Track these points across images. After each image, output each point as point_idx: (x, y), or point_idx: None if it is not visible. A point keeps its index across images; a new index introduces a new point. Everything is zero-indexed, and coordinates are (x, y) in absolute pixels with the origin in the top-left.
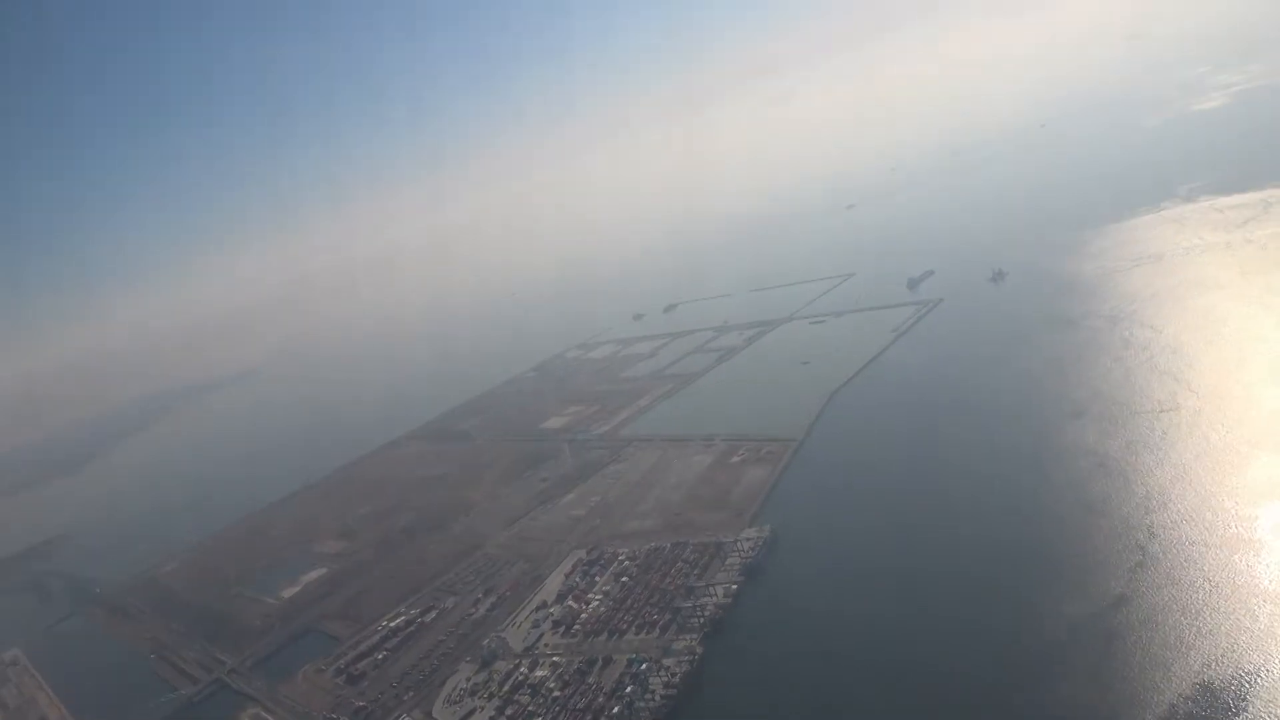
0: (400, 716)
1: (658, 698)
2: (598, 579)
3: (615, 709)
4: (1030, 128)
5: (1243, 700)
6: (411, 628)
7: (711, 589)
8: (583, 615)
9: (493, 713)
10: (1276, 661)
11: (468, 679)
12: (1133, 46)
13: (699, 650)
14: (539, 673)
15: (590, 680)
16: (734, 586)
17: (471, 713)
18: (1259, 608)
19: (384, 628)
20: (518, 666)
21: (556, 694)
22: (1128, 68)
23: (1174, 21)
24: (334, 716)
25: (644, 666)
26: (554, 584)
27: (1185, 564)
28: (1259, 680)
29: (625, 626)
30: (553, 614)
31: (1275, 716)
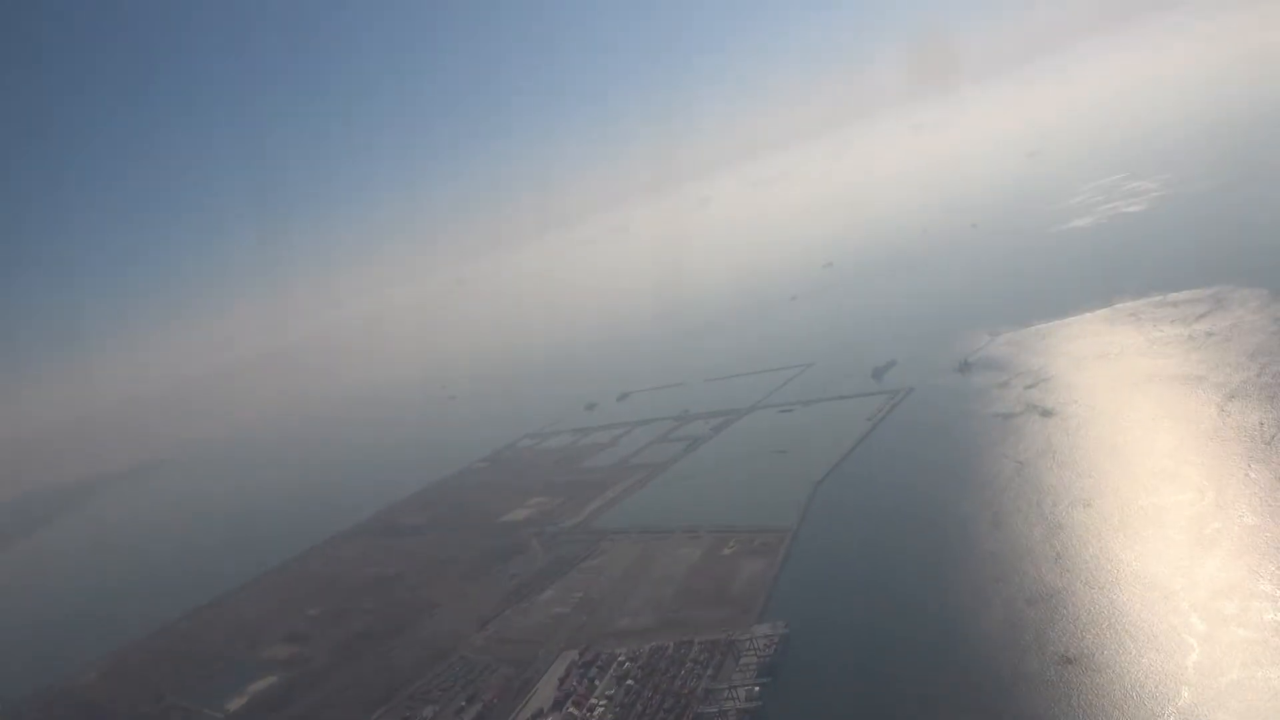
0: None
1: None
2: (597, 682)
3: None
4: (960, 228)
5: None
6: None
7: (732, 691)
8: None
9: None
10: None
11: None
12: (1035, 160)
13: None
14: None
15: None
16: (756, 688)
17: None
18: None
19: None
20: None
21: None
22: (1038, 177)
23: (1065, 144)
24: None
25: None
26: (547, 689)
27: None
28: None
29: None
30: None
31: None
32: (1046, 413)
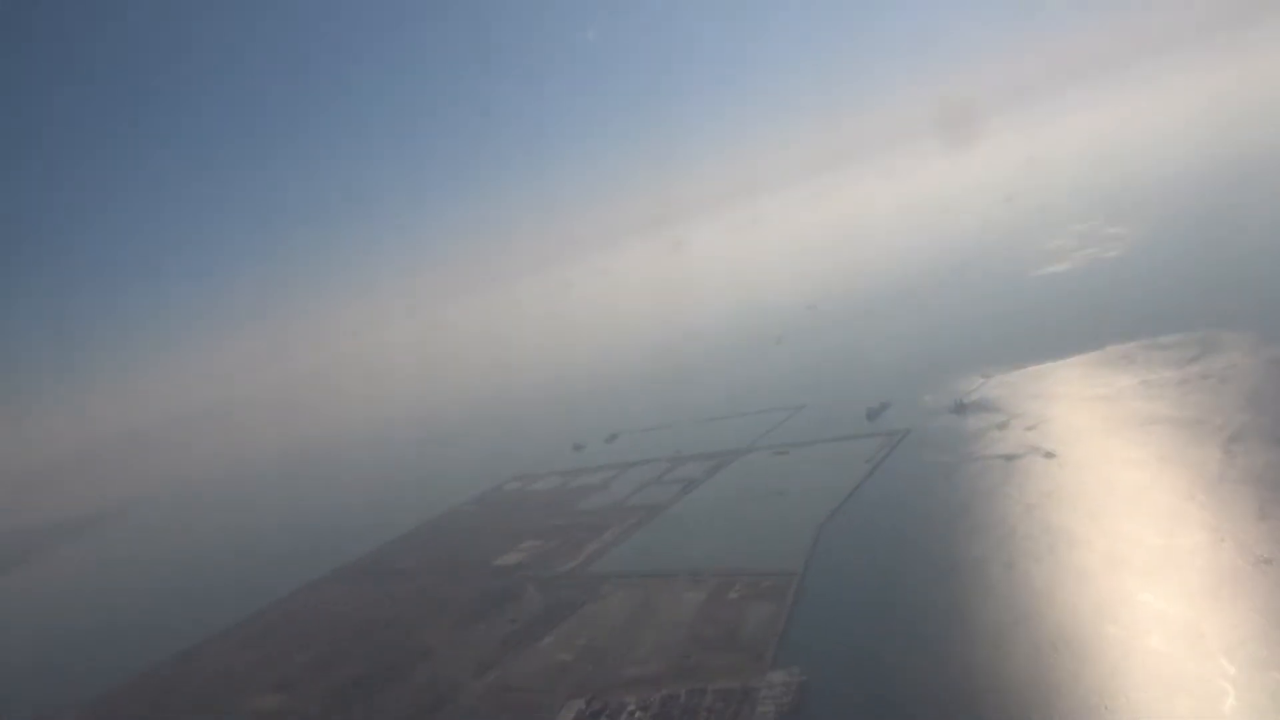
0: None
1: None
2: None
3: None
4: (940, 271)
5: None
6: None
7: None
8: None
9: None
10: None
11: None
12: (1012, 205)
13: None
14: None
15: None
16: None
17: None
18: None
19: None
20: None
21: None
22: (1015, 222)
23: (1041, 190)
24: None
25: None
26: None
27: None
28: None
29: None
30: None
31: None
32: (1049, 454)
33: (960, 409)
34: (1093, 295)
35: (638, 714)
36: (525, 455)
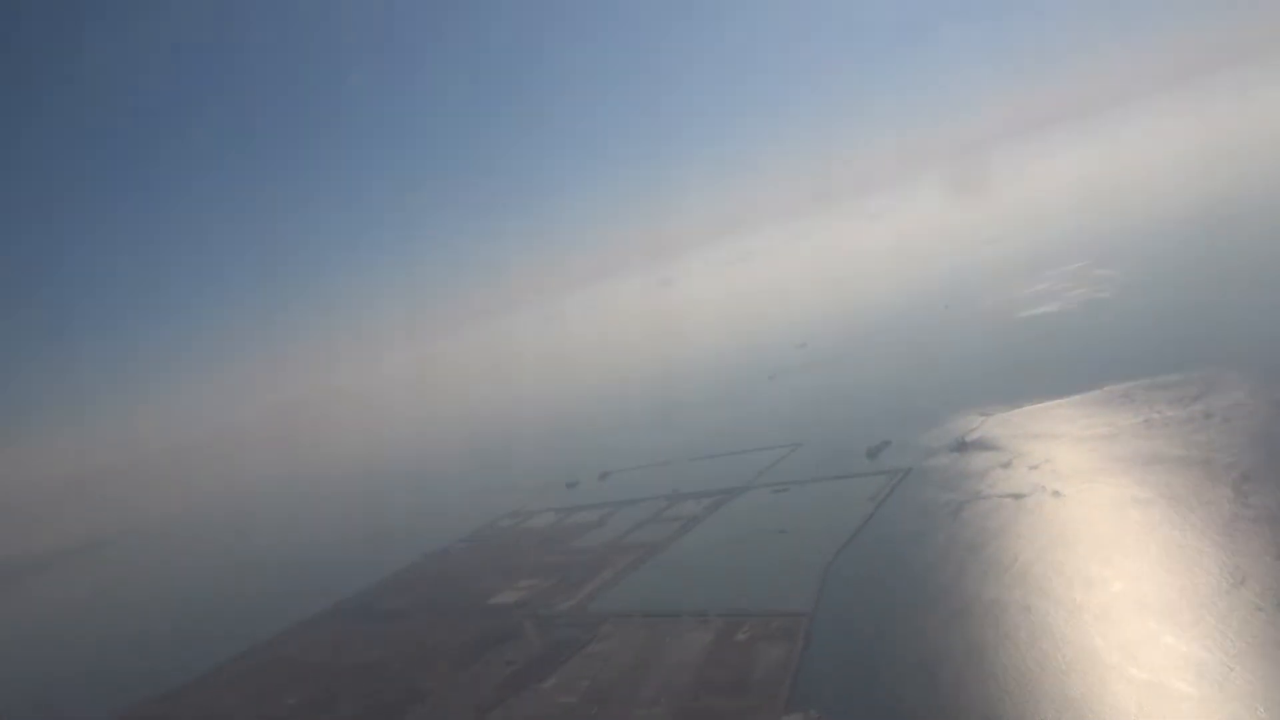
0: None
1: None
2: None
3: None
4: (929, 311)
5: None
6: None
7: None
8: None
9: None
10: None
11: None
12: (995, 247)
13: None
14: None
15: None
16: None
17: None
18: None
19: None
20: None
21: None
22: (1000, 264)
23: (1023, 232)
24: None
25: None
26: None
27: None
28: None
29: None
30: None
31: None
32: (1056, 494)
33: (962, 447)
34: (1086, 335)
35: None
36: (518, 492)
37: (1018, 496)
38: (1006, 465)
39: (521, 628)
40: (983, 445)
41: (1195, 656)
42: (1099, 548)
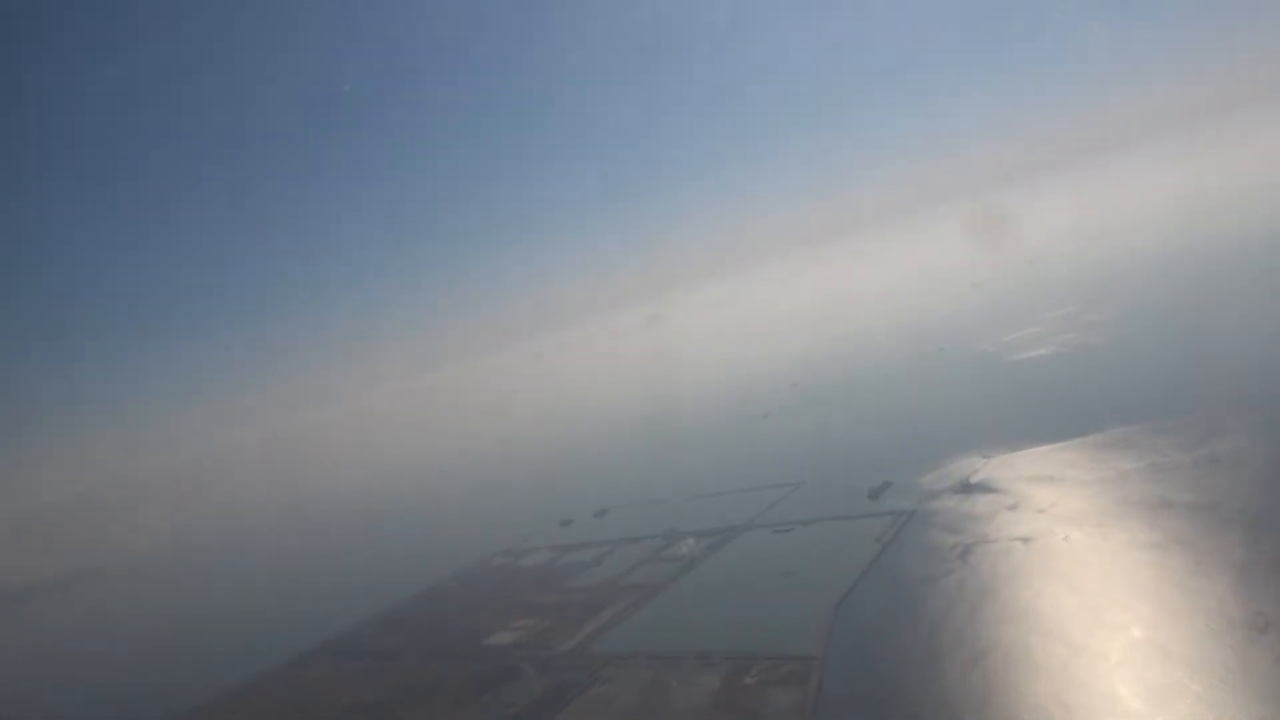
0: None
1: None
2: None
3: None
4: (918, 351)
5: None
6: None
7: None
8: None
9: None
10: None
11: None
12: (982, 291)
13: None
14: None
15: None
16: None
17: None
18: None
19: None
20: None
21: None
22: (988, 307)
23: (1010, 276)
24: None
25: None
26: None
27: None
28: None
29: None
30: None
31: None
32: (1066, 538)
33: (966, 489)
34: (1081, 379)
35: None
36: (509, 529)
37: (1026, 540)
38: (1013, 508)
39: (520, 669)
40: (986, 488)
41: (1225, 704)
42: (1114, 593)
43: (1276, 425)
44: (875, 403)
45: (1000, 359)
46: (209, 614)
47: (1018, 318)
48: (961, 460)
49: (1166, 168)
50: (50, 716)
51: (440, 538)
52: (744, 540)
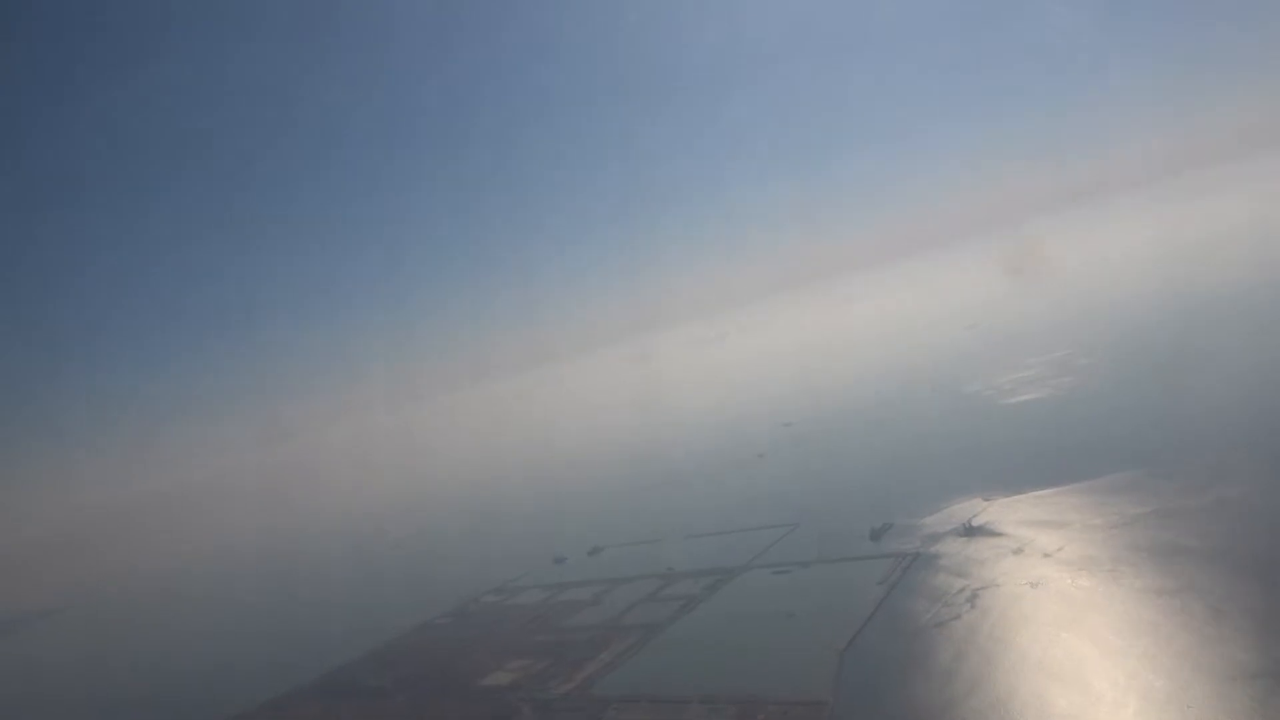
0: None
1: None
2: None
3: None
4: (911, 393)
5: None
6: None
7: None
8: None
9: None
10: None
11: None
12: (975, 334)
13: None
14: None
15: None
16: None
17: None
18: None
19: None
20: None
21: None
22: (981, 350)
23: (1002, 319)
24: None
25: None
26: None
27: None
28: None
29: None
30: None
31: None
32: (1076, 583)
33: (969, 532)
34: (1078, 423)
35: None
36: (500, 566)
37: (1035, 585)
38: (1018, 552)
39: (518, 712)
40: (989, 531)
41: None
42: (1129, 640)
43: None
44: (870, 443)
45: (993, 402)
46: (192, 651)
47: (1010, 360)
48: (962, 503)
49: (1158, 211)
50: None
51: (429, 574)
52: (743, 581)
